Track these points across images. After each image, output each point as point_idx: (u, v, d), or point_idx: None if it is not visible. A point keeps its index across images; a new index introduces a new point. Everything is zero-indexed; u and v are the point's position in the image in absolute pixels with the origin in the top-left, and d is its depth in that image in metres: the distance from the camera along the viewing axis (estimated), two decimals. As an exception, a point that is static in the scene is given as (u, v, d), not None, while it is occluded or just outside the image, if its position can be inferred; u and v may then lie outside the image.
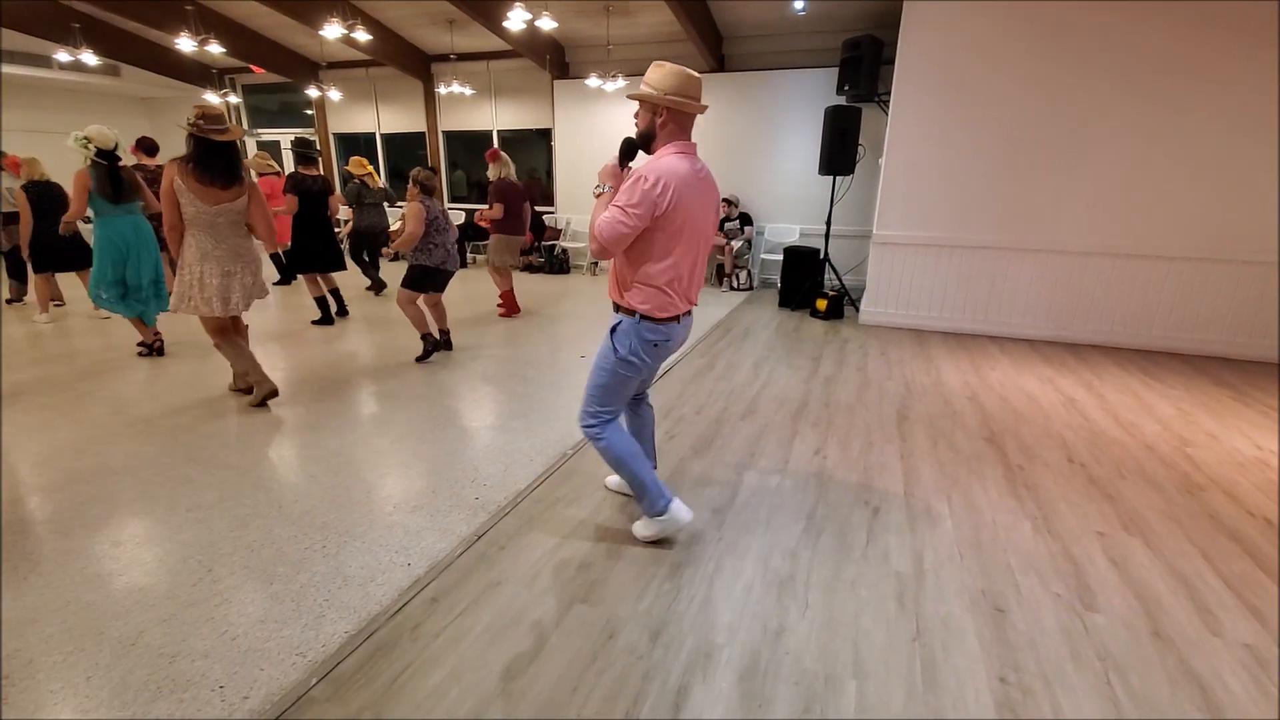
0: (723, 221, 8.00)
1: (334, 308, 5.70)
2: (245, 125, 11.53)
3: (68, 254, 5.19)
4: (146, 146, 5.62)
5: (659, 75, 1.98)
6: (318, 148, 5.59)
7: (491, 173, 5.70)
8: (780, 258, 7.15)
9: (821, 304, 6.20)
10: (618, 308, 2.17)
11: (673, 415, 3.57)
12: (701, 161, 2.09)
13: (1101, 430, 3.50)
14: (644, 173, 1.93)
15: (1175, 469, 3.04)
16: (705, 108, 2.05)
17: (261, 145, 11.55)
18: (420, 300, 4.53)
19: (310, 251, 5.45)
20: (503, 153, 5.71)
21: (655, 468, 2.49)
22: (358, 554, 2.21)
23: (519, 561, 2.18)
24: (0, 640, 1.77)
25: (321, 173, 5.44)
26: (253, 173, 5.64)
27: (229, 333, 3.53)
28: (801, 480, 2.83)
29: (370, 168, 6.68)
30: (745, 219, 7.95)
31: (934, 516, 2.54)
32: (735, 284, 7.81)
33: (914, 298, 5.84)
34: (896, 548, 2.31)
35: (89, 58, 7.89)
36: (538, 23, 6.34)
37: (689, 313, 2.22)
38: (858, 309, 6.21)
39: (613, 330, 2.15)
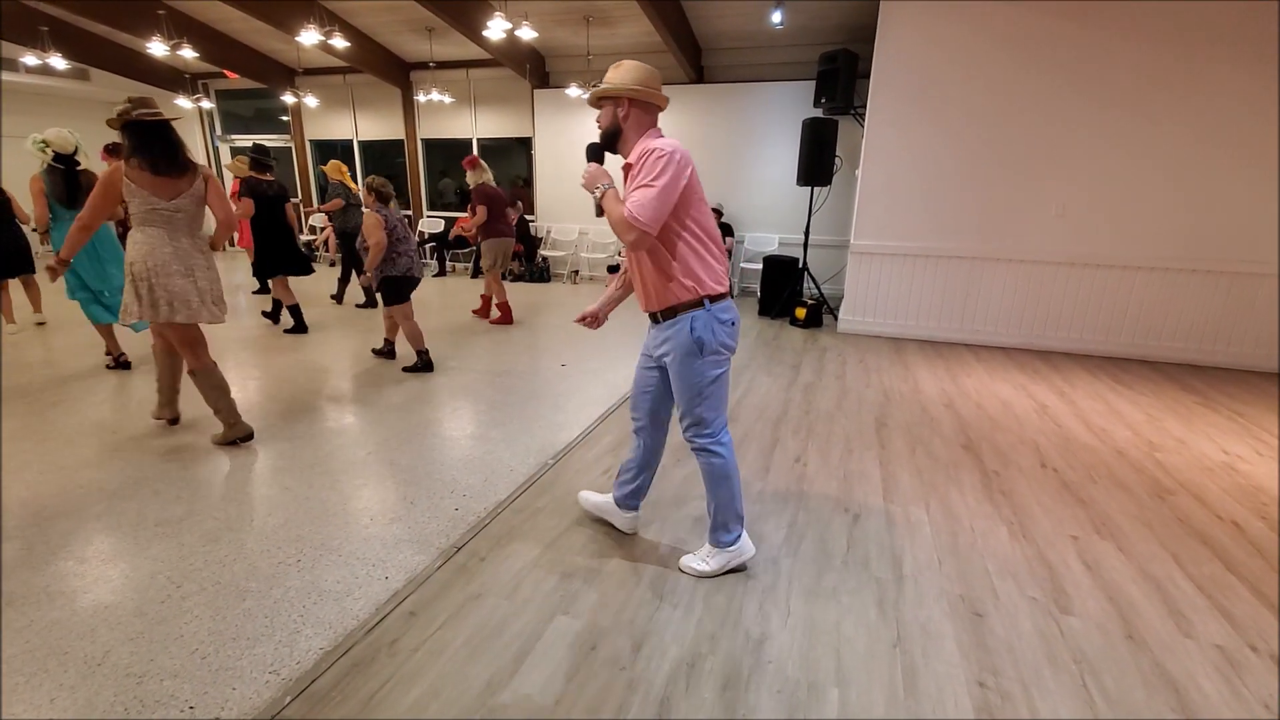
0: (703, 230, 8.04)
1: (287, 319, 5.63)
2: (220, 131, 11.35)
3: (13, 260, 5.06)
4: (116, 151, 5.51)
5: (619, 73, 1.98)
6: (272, 154, 5.55)
7: (471, 179, 5.73)
8: (760, 266, 7.21)
9: (801, 312, 6.26)
10: (671, 311, 2.00)
11: (654, 424, 3.57)
12: None
13: (1073, 436, 3.58)
14: (651, 148, 1.86)
15: (1145, 474, 3.11)
16: (667, 100, 2.05)
17: (235, 151, 11.38)
18: (390, 311, 4.50)
19: (276, 256, 5.39)
20: (480, 160, 5.74)
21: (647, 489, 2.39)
22: (333, 568, 2.16)
23: (499, 573, 2.15)
24: (0, 641, 1.71)
25: (276, 178, 5.42)
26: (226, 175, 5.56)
27: (201, 348, 3.11)
28: (782, 488, 2.84)
29: (346, 171, 6.62)
30: (726, 229, 8.01)
31: (913, 523, 2.57)
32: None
33: (891, 306, 5.93)
34: (876, 554, 2.33)
35: (57, 61, 7.73)
36: (518, 32, 6.35)
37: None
38: (836, 317, 6.28)
39: (690, 332, 1.96)
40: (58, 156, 4.16)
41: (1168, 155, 4.97)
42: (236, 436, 3.16)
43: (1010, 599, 2.09)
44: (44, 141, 4.13)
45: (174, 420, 3.39)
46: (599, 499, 2.50)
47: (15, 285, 5.46)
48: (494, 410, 3.72)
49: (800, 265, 6.70)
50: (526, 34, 6.46)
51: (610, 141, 2.03)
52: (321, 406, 3.74)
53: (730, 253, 8.09)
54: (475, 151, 9.79)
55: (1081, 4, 4.87)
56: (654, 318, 2.09)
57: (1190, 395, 4.39)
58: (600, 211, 1.97)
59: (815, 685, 1.70)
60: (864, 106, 5.82)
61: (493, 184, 5.78)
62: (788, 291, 6.62)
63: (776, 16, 6.53)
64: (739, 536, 2.17)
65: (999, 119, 5.27)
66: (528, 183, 9.74)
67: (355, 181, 7.18)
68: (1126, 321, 5.31)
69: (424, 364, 4.45)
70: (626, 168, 1.98)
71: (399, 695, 1.63)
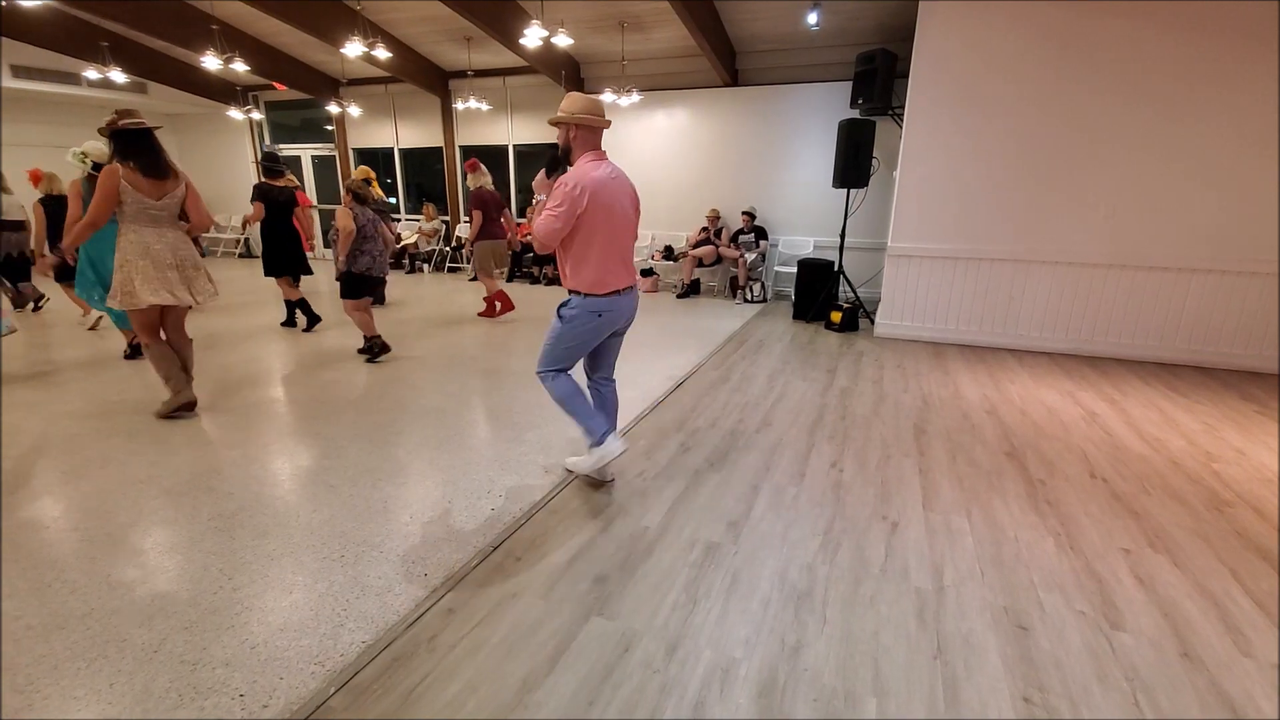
0: (737, 233, 8.03)
1: (301, 320, 5.95)
2: (268, 141, 11.78)
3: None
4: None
5: (568, 102, 2.50)
6: (284, 161, 5.85)
7: (471, 182, 5.99)
8: (794, 270, 7.14)
9: (836, 316, 6.18)
10: (571, 292, 2.62)
11: (687, 428, 3.57)
12: (613, 165, 2.58)
13: (1125, 445, 3.45)
14: (563, 179, 2.44)
15: (1202, 485, 2.98)
16: (609, 123, 2.55)
17: (283, 160, 11.78)
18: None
19: (282, 257, 5.67)
20: (480, 164, 6.00)
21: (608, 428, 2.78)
22: (375, 564, 2.22)
23: (535, 573, 2.18)
24: (0, 641, 1.80)
25: (289, 184, 5.70)
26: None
27: (157, 333, 3.55)
28: (818, 494, 2.81)
29: (373, 176, 6.96)
30: (760, 232, 7.96)
31: (954, 532, 2.51)
32: (749, 296, 7.81)
33: (930, 310, 5.81)
34: (916, 563, 2.28)
35: (117, 75, 8.13)
36: (554, 39, 6.44)
37: (630, 289, 2.66)
38: (873, 321, 6.18)
39: (561, 306, 2.63)
40: (96, 165, 4.48)
41: (1220, 155, 4.75)
42: (177, 405, 3.57)
43: (1057, 612, 2.03)
44: (82, 153, 4.52)
45: (189, 406, 3.64)
46: (582, 459, 2.87)
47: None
48: (529, 412, 3.76)
49: (836, 268, 6.61)
50: (562, 41, 6.54)
51: (566, 156, 2.57)
52: (363, 408, 3.84)
53: (763, 257, 8.04)
54: (511, 158, 9.95)
55: (1127, 3, 4.70)
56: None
57: (1249, 404, 4.19)
58: None
59: (853, 694, 1.67)
60: (902, 107, 5.73)
61: (489, 188, 6.02)
62: (823, 295, 6.54)
63: (813, 18, 6.48)
64: (604, 435, 2.70)
65: (1042, 118, 5.11)
66: None
67: (382, 190, 7.49)
68: (1181, 326, 5.09)
69: (380, 348, 4.79)
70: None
71: (438, 690, 1.66)
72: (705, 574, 2.20)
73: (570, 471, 2.95)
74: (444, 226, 10.43)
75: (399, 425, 3.57)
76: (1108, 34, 4.82)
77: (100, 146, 4.47)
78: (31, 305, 6.42)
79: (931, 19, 5.26)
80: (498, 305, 6.43)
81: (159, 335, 3.57)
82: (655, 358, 5.04)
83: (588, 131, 2.52)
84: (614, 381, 2.93)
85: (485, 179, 5.98)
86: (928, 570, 2.24)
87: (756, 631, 1.91)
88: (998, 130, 5.26)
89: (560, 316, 2.63)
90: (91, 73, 8.28)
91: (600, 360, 2.86)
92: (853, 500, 2.75)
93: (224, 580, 2.11)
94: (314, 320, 5.88)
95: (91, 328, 5.67)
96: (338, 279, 4.80)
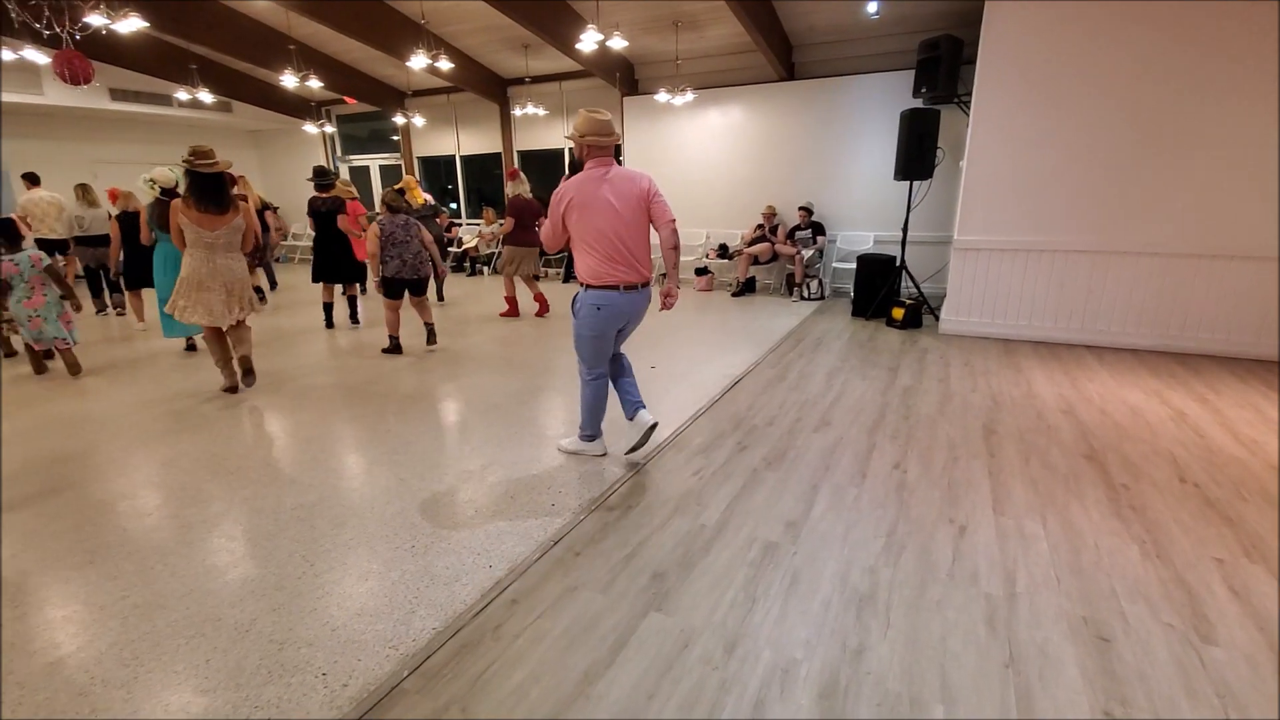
0: (794, 230, 7.89)
1: (348, 312, 6.39)
2: (339, 152, 12.38)
3: (141, 274, 5.89)
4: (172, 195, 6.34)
5: (579, 122, 2.78)
6: (333, 174, 6.35)
7: (510, 190, 6.38)
8: (853, 266, 6.97)
9: (898, 313, 5.99)
10: (582, 285, 2.90)
11: (744, 426, 3.55)
12: (618, 169, 2.79)
13: (1218, 447, 3.21)
14: (556, 192, 2.80)
15: (1309, 492, 2.74)
16: (616, 137, 2.84)
17: (352, 170, 12.37)
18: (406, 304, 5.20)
19: (327, 266, 6.08)
20: (521, 173, 6.43)
21: (638, 397, 3.13)
22: (443, 555, 2.31)
23: (594, 568, 2.22)
24: (0, 641, 1.95)
25: (343, 194, 6.13)
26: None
27: (221, 335, 4.10)
28: (880, 495, 2.74)
29: (414, 186, 7.49)
30: (818, 228, 7.81)
31: (1027, 537, 2.40)
32: (806, 294, 7.67)
33: (1000, 305, 5.56)
34: (986, 568, 2.20)
35: (205, 96, 8.72)
36: (609, 43, 6.50)
37: (635, 287, 2.84)
38: (937, 317, 5.96)
39: (572, 304, 2.92)
40: (163, 190, 4.96)
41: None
42: (226, 386, 4.18)
43: (1142, 624, 1.92)
44: (151, 180, 4.99)
45: (233, 389, 4.18)
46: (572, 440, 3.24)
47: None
48: (587, 411, 3.82)
49: (898, 263, 6.41)
50: (617, 44, 6.60)
51: (579, 168, 2.85)
52: (432, 406, 4.00)
53: (821, 253, 7.87)
54: (567, 162, 10.10)
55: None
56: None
57: (1369, 404, 3.82)
58: None
59: (918, 700, 1.63)
60: (969, 94, 5.50)
61: (527, 196, 6.39)
62: (884, 291, 6.36)
63: (873, 7, 6.31)
64: (592, 439, 3.15)
65: (1122, 104, 4.81)
66: None
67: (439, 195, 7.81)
68: (1285, 320, 4.68)
69: (394, 347, 5.20)
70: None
71: (504, 677, 1.72)
72: (764, 573, 2.19)
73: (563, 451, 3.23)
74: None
75: (463, 421, 3.70)
76: (1187, 19, 4.48)
77: (167, 173, 4.98)
78: (110, 310, 7.06)
79: (999, 3, 5.03)
80: (535, 307, 6.75)
81: (221, 336, 4.12)
82: (711, 356, 5.03)
83: (597, 147, 2.78)
84: (622, 354, 3.21)
85: (523, 187, 6.38)
86: (999, 576, 2.16)
87: (817, 633, 1.89)
88: (1072, 117, 4.98)
89: (574, 312, 2.92)
90: (182, 94, 8.92)
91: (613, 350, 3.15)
92: (917, 502, 2.67)
93: (306, 566, 2.24)
94: (354, 318, 6.33)
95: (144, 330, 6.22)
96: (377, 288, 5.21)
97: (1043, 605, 2.01)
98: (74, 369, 4.60)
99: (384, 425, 3.64)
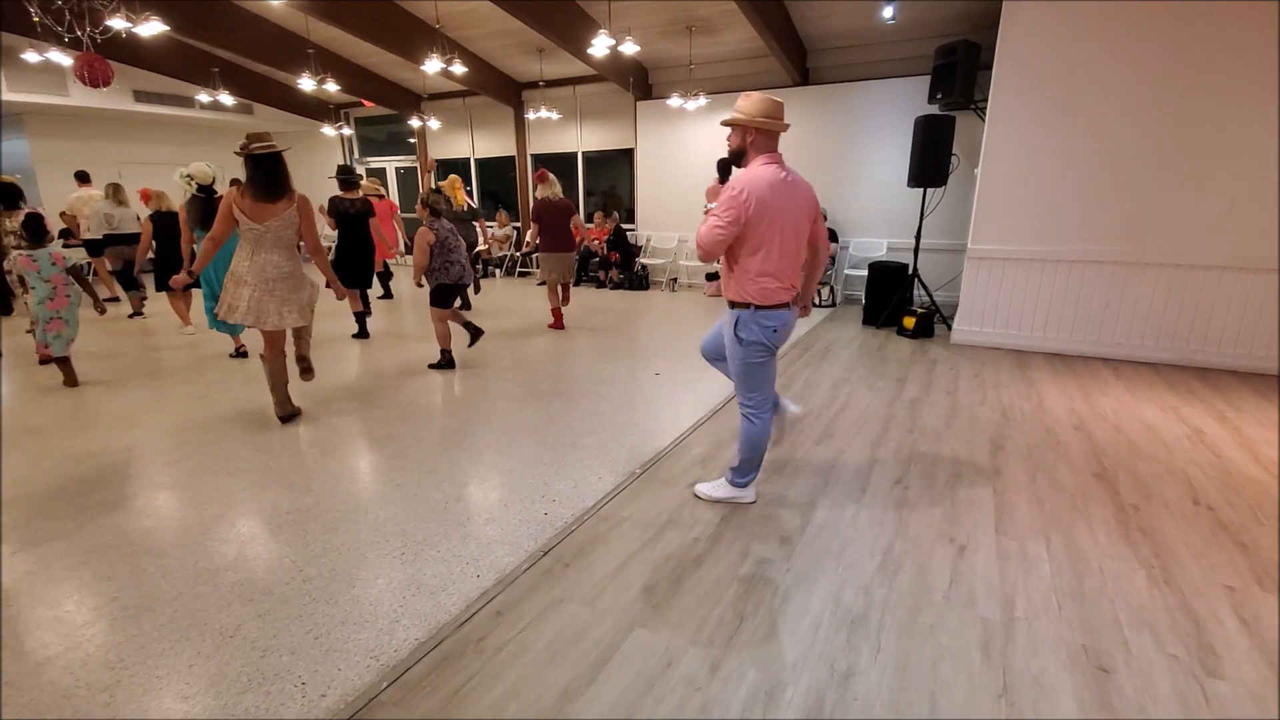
0: (805, 237, 7.81)
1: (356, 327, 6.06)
2: (357, 154, 12.52)
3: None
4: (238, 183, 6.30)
5: (748, 104, 2.39)
6: (358, 174, 5.93)
7: (539, 193, 5.95)
8: (864, 273, 6.88)
9: (909, 322, 5.90)
10: (733, 305, 2.50)
11: (746, 437, 3.50)
12: (789, 169, 2.43)
13: (1236, 468, 3.10)
14: (731, 184, 2.33)
15: (1329, 517, 2.64)
16: (787, 126, 2.42)
17: (370, 172, 12.51)
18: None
19: (350, 270, 5.72)
20: (549, 174, 5.96)
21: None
22: (432, 563, 2.30)
23: (582, 580, 2.20)
24: (0, 641, 1.96)
25: (370, 192, 5.77)
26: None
27: (278, 348, 3.67)
28: (879, 512, 2.68)
29: (459, 185, 7.12)
30: (830, 235, 7.72)
31: (1029, 559, 2.34)
32: (817, 300, 7.59)
33: (1013, 315, 5.45)
34: (984, 591, 2.14)
35: (226, 98, 8.86)
36: (621, 47, 6.49)
37: (792, 304, 2.50)
38: (949, 327, 5.86)
39: (735, 326, 2.49)
40: (200, 187, 4.82)
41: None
42: (281, 416, 3.76)
43: (1145, 654, 1.85)
44: (188, 175, 4.83)
45: (291, 417, 3.79)
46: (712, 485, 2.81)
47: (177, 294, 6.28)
48: (588, 418, 3.81)
49: (910, 271, 6.32)
50: (630, 49, 6.58)
51: (737, 159, 2.47)
52: (430, 411, 4.01)
53: (833, 259, 7.79)
54: (580, 165, 10.12)
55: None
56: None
57: (1398, 425, 3.67)
58: None
59: (904, 729, 1.58)
60: (985, 100, 5.41)
61: (556, 197, 5.90)
62: (895, 299, 6.27)
63: (888, 11, 6.23)
64: (747, 485, 2.70)
65: (1141, 111, 4.69)
66: (610, 194, 10.00)
67: (471, 198, 7.63)
68: (1311, 336, 4.53)
69: (447, 362, 4.86)
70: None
71: (483, 691, 1.70)
72: (754, 590, 2.14)
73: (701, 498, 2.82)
74: (515, 233, 10.75)
75: (463, 428, 3.70)
76: (1209, 24, 4.36)
77: (204, 168, 4.84)
78: (132, 312, 7.05)
79: (1018, 7, 4.94)
80: (552, 317, 6.33)
81: (278, 349, 3.69)
82: (717, 364, 4.98)
83: (765, 135, 2.40)
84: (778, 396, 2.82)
85: (554, 189, 5.93)
86: (997, 600, 2.10)
87: (805, 655, 1.84)
88: (1090, 124, 4.87)
89: (739, 340, 2.49)
90: (204, 96, 9.07)
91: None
92: (917, 520, 2.61)
93: (295, 572, 2.25)
94: (362, 334, 5.97)
95: (193, 333, 6.10)
96: (421, 286, 4.90)
97: (1041, 632, 1.94)
98: (70, 378, 4.44)
99: (384, 429, 3.65)
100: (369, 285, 6.14)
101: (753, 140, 2.39)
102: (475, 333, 5.08)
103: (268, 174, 3.44)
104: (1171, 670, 1.78)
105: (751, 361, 2.50)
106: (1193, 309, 4.85)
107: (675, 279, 9.20)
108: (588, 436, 3.52)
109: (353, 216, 5.73)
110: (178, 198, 5.29)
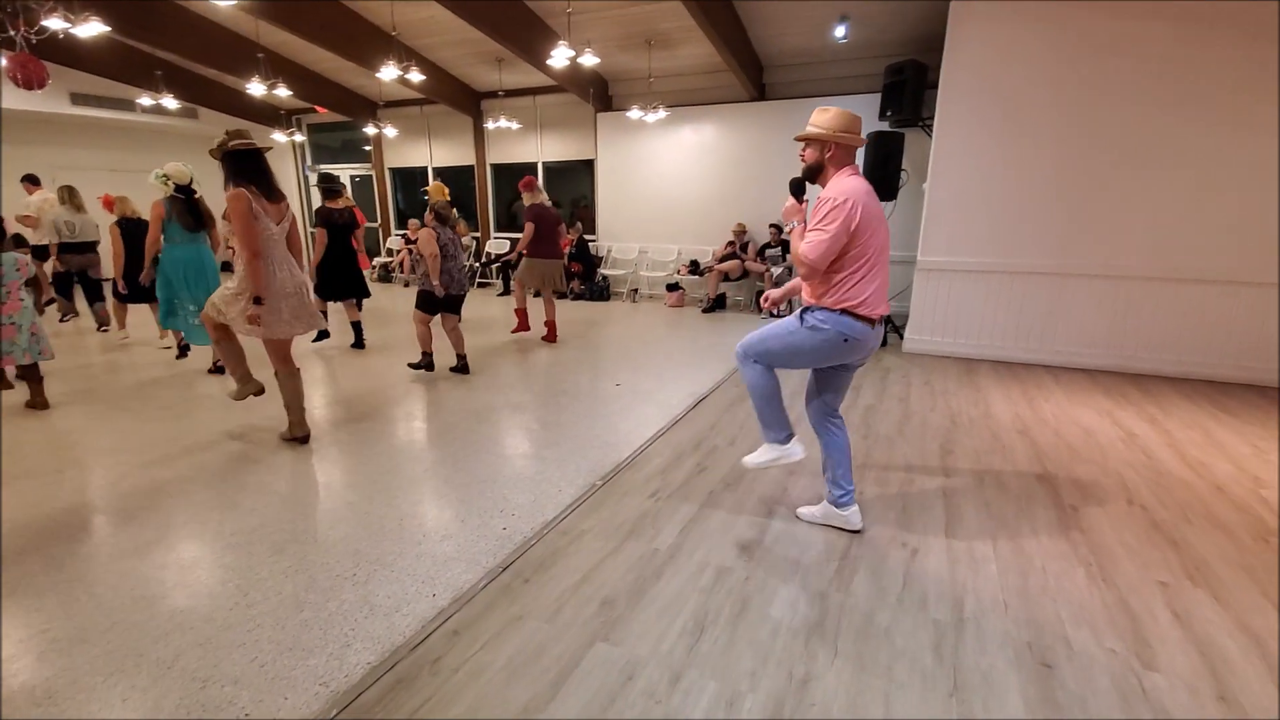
0: (764, 247, 7.97)
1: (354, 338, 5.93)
2: (309, 161, 12.20)
3: (148, 289, 5.37)
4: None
5: (826, 118, 2.34)
6: (341, 182, 5.82)
7: (527, 199, 5.93)
8: (822, 284, 7.03)
9: (864, 331, 6.05)
10: (818, 307, 2.40)
11: (704, 446, 3.53)
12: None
13: (1166, 469, 3.28)
14: (831, 195, 2.26)
15: (1249, 513, 2.81)
16: (864, 140, 2.40)
17: (322, 179, 12.20)
18: (437, 322, 4.91)
19: (338, 282, 5.65)
20: (536, 181, 5.96)
21: (852, 487, 2.62)
22: (386, 583, 2.24)
23: (542, 595, 2.17)
24: (0, 644, 1.86)
25: (348, 206, 5.67)
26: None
27: (291, 360, 3.46)
28: (836, 517, 2.73)
29: (444, 190, 6.94)
30: (787, 246, 7.88)
31: (977, 560, 2.41)
32: (775, 311, 7.72)
33: (961, 325, 5.65)
34: (935, 593, 2.20)
35: (169, 102, 8.53)
36: (581, 59, 6.52)
37: (882, 321, 2.42)
38: (901, 336, 6.04)
39: (805, 311, 2.42)
40: (178, 187, 4.61)
41: (1269, 165, 4.52)
42: (296, 435, 3.51)
43: (1085, 650, 1.92)
44: (165, 175, 4.60)
45: (305, 438, 3.55)
46: (815, 509, 2.69)
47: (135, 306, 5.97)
48: (547, 430, 3.78)
49: (864, 283, 6.49)
50: (589, 61, 6.62)
51: (812, 175, 2.42)
52: (384, 423, 3.91)
53: (790, 270, 7.94)
54: (540, 175, 10.08)
55: (1166, 2, 4.53)
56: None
57: (1309, 425, 3.94)
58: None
59: (860, 733, 1.61)
60: (932, 118, 5.62)
61: (548, 203, 5.94)
62: (851, 310, 6.42)
63: (841, 31, 6.44)
64: (789, 437, 2.60)
65: (1077, 128, 4.96)
66: (580, 203, 9.97)
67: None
68: (1231, 341, 4.84)
69: (427, 364, 4.94)
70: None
71: (439, 714, 1.66)
72: (715, 600, 2.16)
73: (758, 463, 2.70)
74: (474, 243, 10.62)
75: (419, 442, 3.62)
76: (1145, 39, 4.66)
77: (181, 168, 4.62)
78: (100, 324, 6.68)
79: (961, 26, 5.17)
80: (542, 323, 6.28)
81: (232, 334, 3.42)
82: (678, 374, 5.01)
83: (844, 150, 2.35)
84: (842, 418, 2.67)
85: (541, 196, 5.92)
86: (948, 601, 2.16)
87: (764, 662, 1.86)
88: (1031, 140, 5.12)
89: (803, 320, 2.42)
90: (145, 99, 8.72)
91: (834, 394, 2.61)
92: (870, 524, 2.67)
93: (239, 597, 2.15)
94: (359, 344, 5.87)
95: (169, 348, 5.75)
96: (427, 293, 4.85)
97: (989, 630, 2.01)
98: (38, 398, 4.08)
99: (334, 444, 3.55)
100: (367, 294, 5.94)
101: (832, 155, 2.35)
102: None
103: (267, 171, 3.22)
104: (1110, 664, 1.86)
105: (796, 345, 2.42)
106: (1124, 318, 5.12)
107: (636, 290, 9.24)
108: (548, 449, 3.49)
109: (341, 226, 5.60)
110: (145, 200, 4.98)
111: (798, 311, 2.48)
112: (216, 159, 3.17)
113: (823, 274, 2.34)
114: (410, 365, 5.01)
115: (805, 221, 2.42)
